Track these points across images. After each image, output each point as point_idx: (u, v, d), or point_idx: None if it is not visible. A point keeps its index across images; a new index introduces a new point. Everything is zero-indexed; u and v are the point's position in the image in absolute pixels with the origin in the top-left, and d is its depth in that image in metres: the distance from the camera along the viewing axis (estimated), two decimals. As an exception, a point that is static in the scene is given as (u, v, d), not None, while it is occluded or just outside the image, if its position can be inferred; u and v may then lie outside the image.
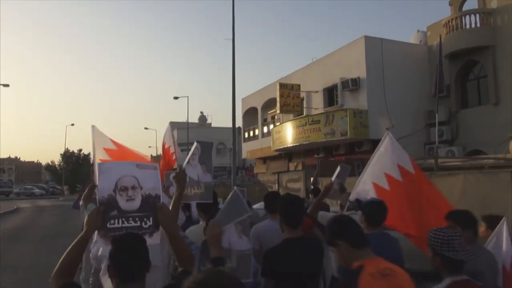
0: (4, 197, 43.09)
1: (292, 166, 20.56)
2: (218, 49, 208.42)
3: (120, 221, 2.02)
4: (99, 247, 2.66)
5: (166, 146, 5.74)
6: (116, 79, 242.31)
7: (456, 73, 15.99)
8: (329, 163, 14.67)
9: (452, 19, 15.70)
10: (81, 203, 3.63)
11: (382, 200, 3.22)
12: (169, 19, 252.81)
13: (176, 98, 35.19)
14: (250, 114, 27.06)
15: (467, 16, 15.33)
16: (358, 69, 16.41)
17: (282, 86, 18.93)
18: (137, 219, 2.05)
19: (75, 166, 54.64)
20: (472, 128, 14.98)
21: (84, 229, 1.97)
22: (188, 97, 49.36)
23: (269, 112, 24.80)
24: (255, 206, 8.03)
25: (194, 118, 51.07)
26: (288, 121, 19.17)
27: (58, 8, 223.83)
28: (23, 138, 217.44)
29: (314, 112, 18.70)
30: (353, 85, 16.37)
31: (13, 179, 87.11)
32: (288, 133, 18.46)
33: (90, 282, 3.44)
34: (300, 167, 19.54)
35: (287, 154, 20.90)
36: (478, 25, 15.09)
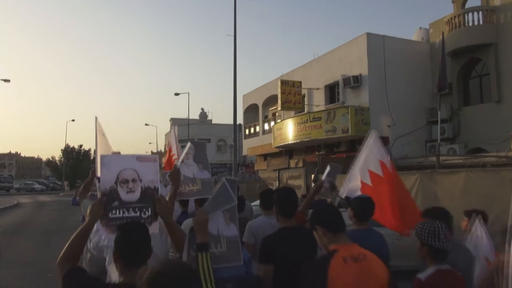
0: (5, 192, 43.18)
1: (292, 163, 20.53)
2: (220, 45, 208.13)
3: (121, 211, 2.18)
4: (100, 237, 2.78)
5: (169, 147, 5.76)
6: (117, 75, 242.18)
7: (458, 70, 15.92)
8: (330, 160, 14.61)
9: (454, 16, 15.61)
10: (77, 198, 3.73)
11: (370, 196, 3.37)
12: (170, 15, 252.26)
13: (177, 94, 35.24)
14: (251, 111, 27.00)
15: (470, 14, 15.24)
16: (359, 66, 16.34)
17: (284, 83, 18.86)
18: (136, 209, 2.21)
19: (76, 161, 54.67)
20: (474, 126, 14.93)
21: (87, 218, 2.10)
22: (189, 93, 49.21)
23: (270, 109, 24.74)
24: (255, 203, 8.00)
25: (195, 115, 51.10)
26: (289, 118, 19.11)
27: (60, 3, 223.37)
28: (23, 133, 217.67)
29: (315, 109, 18.64)
30: (354, 82, 16.30)
31: (14, 174, 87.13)
32: (289, 130, 18.41)
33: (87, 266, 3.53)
34: (300, 164, 19.51)
35: (288, 151, 20.87)
36: (481, 22, 15.00)
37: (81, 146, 57.49)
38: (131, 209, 2.20)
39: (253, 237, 3.48)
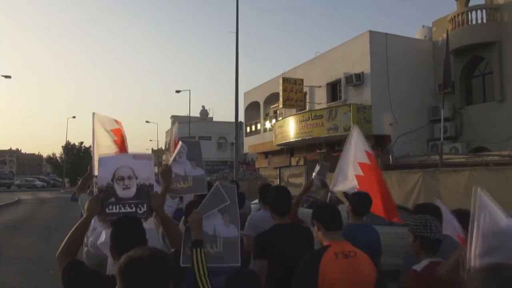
0: (6, 189, 43.17)
1: (294, 161, 20.48)
2: (221, 42, 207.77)
3: (118, 207, 2.28)
4: (98, 235, 2.84)
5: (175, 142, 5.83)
6: (118, 72, 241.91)
7: (461, 69, 15.85)
8: (331, 158, 14.58)
9: (458, 15, 15.52)
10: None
11: (367, 193, 3.56)
12: (172, 12, 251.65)
13: (178, 91, 35.05)
14: (252, 109, 26.94)
15: (473, 12, 15.16)
16: (362, 64, 16.27)
17: (285, 80, 18.79)
18: (132, 205, 2.30)
19: (76, 158, 54.64)
20: (477, 125, 14.86)
21: (85, 214, 2.19)
22: (190, 90, 49.05)
23: (271, 107, 24.67)
24: (255, 202, 7.96)
25: (196, 112, 51.05)
26: (291, 115, 19.05)
27: (61, 0, 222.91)
28: (24, 130, 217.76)
29: (317, 107, 18.58)
30: (357, 80, 16.23)
31: (14, 171, 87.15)
32: (290, 127, 18.36)
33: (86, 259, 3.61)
34: (302, 162, 19.46)
35: (289, 149, 20.82)
36: (485, 20, 14.92)
37: (81, 143, 57.43)
38: (127, 205, 2.30)
39: (254, 230, 3.56)
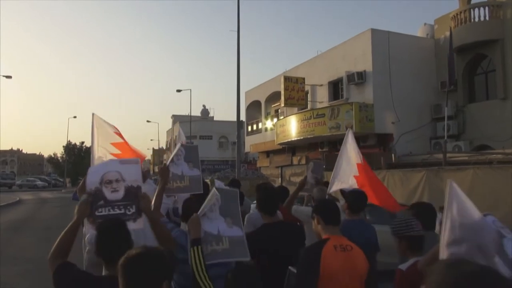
0: (7, 189, 43.15)
1: (295, 160, 20.43)
2: (222, 41, 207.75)
3: (107, 209, 2.37)
4: (93, 234, 2.95)
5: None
6: (119, 71, 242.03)
7: (463, 67, 15.75)
8: (333, 157, 14.50)
9: (460, 12, 15.43)
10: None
11: (363, 190, 3.72)
12: (172, 11, 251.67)
13: (179, 91, 34.95)
14: (253, 108, 26.88)
15: (476, 9, 15.06)
16: (364, 63, 16.19)
17: (287, 79, 18.72)
18: (121, 207, 2.39)
19: (77, 158, 54.67)
20: (479, 123, 14.78)
21: (75, 217, 2.26)
22: (190, 90, 48.98)
23: (272, 106, 24.61)
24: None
25: (197, 112, 51.01)
26: (292, 114, 18.99)
27: (62, 0, 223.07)
28: (25, 130, 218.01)
29: (318, 105, 18.51)
30: (358, 78, 16.16)
31: (16, 171, 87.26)
32: (292, 126, 18.30)
33: (85, 259, 3.63)
34: (303, 161, 19.39)
35: (291, 148, 20.76)
36: (487, 18, 14.83)
37: (83, 142, 57.44)
38: (116, 207, 2.38)
39: (252, 227, 3.64)
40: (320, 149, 17.99)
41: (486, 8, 14.86)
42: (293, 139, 18.33)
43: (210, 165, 42.48)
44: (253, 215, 3.95)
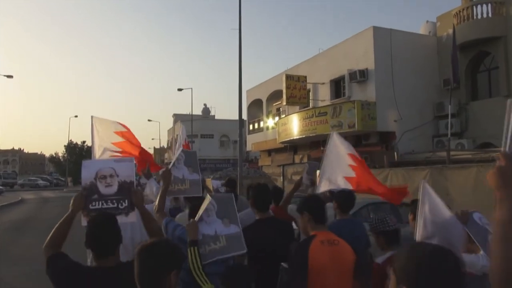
0: (9, 188, 43.20)
1: (297, 159, 20.38)
2: (223, 40, 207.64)
3: (100, 203, 2.48)
4: None
5: (184, 143, 5.98)
6: (120, 71, 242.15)
7: (466, 64, 15.69)
8: (336, 156, 14.46)
9: (463, 9, 15.36)
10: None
11: (351, 190, 3.88)
12: (173, 9, 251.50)
13: (180, 89, 34.95)
14: (255, 106, 26.83)
15: (479, 6, 14.98)
16: (366, 61, 16.13)
17: (289, 77, 18.67)
18: (114, 201, 2.50)
19: (79, 157, 54.57)
20: (482, 121, 14.71)
21: (70, 209, 2.38)
22: (192, 88, 48.96)
23: (274, 104, 24.56)
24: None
25: (198, 110, 50.95)
26: (294, 113, 18.94)
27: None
28: (26, 129, 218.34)
29: (320, 104, 18.46)
30: (361, 76, 16.10)
31: (17, 170, 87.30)
32: (294, 125, 18.25)
33: (88, 251, 3.81)
34: (305, 160, 19.35)
35: (293, 146, 20.72)
36: (490, 15, 14.75)
37: (84, 142, 57.43)
38: (109, 201, 2.50)
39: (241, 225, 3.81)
40: (322, 148, 17.85)
41: (489, 5, 14.79)
42: (295, 137, 18.29)
43: (211, 164, 42.43)
44: (241, 215, 4.03)
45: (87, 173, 2.54)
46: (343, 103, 16.31)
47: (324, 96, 18.79)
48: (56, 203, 25.20)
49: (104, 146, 4.33)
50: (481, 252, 2.02)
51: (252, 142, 26.47)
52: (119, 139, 4.45)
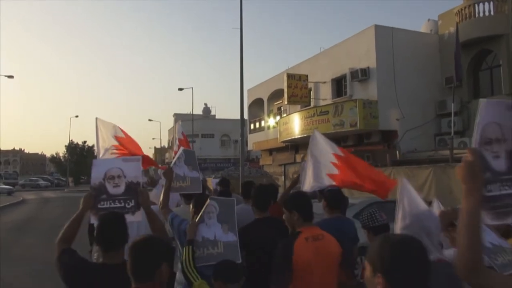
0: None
1: (298, 158, 20.33)
2: (224, 39, 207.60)
3: (108, 202, 2.62)
4: None
5: (182, 137, 6.08)
6: (120, 71, 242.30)
7: (468, 62, 15.62)
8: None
9: (465, 7, 15.30)
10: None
11: (340, 188, 4.01)
12: (174, 8, 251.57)
13: (180, 89, 34.89)
14: (256, 105, 26.80)
15: (481, 4, 14.92)
16: (367, 59, 16.09)
17: (290, 76, 18.62)
18: (122, 201, 2.64)
19: (80, 157, 54.68)
20: (484, 119, 14.65)
21: (80, 208, 2.54)
22: (192, 88, 48.91)
23: (275, 103, 24.52)
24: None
25: (198, 110, 50.92)
26: (296, 112, 18.90)
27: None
28: (27, 130, 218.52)
29: (322, 103, 18.41)
30: (362, 75, 16.06)
31: (18, 171, 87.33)
32: (295, 124, 18.21)
33: (94, 251, 4.00)
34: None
35: (294, 145, 20.68)
36: (492, 13, 14.70)
37: (85, 142, 57.46)
38: (117, 201, 2.62)
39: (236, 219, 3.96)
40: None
41: (491, 3, 14.73)
42: (296, 136, 18.25)
43: (212, 164, 42.39)
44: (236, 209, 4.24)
45: (96, 173, 2.67)
46: (344, 102, 16.26)
47: (325, 95, 18.74)
48: (57, 203, 25.20)
49: (105, 147, 4.43)
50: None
51: (253, 141, 26.44)
52: (118, 143, 4.52)
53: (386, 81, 15.58)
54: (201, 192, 3.75)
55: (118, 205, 2.63)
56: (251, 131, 26.95)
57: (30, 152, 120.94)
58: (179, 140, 5.88)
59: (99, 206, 2.61)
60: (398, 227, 2.15)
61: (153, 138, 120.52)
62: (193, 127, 34.87)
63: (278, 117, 22.51)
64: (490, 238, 2.13)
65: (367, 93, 16.09)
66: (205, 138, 45.24)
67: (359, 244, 3.89)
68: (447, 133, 14.08)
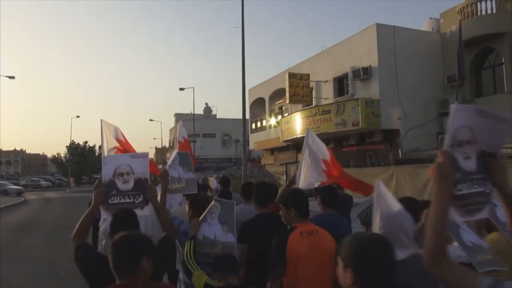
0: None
1: (300, 157, 20.30)
2: (225, 38, 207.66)
3: (118, 198, 2.75)
4: (108, 226, 3.27)
5: (183, 140, 6.13)
6: (121, 71, 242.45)
7: (470, 61, 15.58)
8: (341, 153, 14.41)
9: (467, 5, 15.26)
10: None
11: (334, 186, 4.14)
12: (175, 8, 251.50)
13: (181, 89, 34.87)
14: (257, 105, 26.78)
15: (483, 2, 14.89)
16: (369, 58, 16.05)
17: (291, 75, 18.60)
18: (131, 196, 2.76)
19: (81, 158, 54.69)
20: (487, 118, 14.61)
21: (92, 204, 2.69)
22: (193, 88, 48.89)
23: (276, 103, 24.50)
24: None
25: (199, 110, 50.90)
26: (297, 111, 18.88)
27: None
28: (28, 130, 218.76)
29: (323, 102, 18.39)
30: (364, 74, 16.03)
31: (19, 171, 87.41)
32: (297, 123, 18.19)
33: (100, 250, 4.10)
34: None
35: (296, 145, 20.65)
36: (494, 11, 14.67)
37: (86, 142, 57.44)
38: (126, 196, 2.75)
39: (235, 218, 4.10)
40: (326, 146, 17.87)
41: (493, 1, 14.71)
42: (298, 136, 18.22)
43: (213, 163, 42.38)
44: (236, 211, 4.30)
45: (106, 170, 2.80)
46: (346, 101, 16.23)
47: (327, 94, 18.71)
48: (59, 204, 25.20)
49: (108, 148, 4.56)
50: (455, 243, 2.20)
51: (254, 141, 26.42)
52: (118, 144, 4.64)
53: (388, 80, 15.54)
54: (197, 192, 3.93)
55: (128, 200, 2.75)
56: (252, 131, 26.93)
57: (31, 152, 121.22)
58: (179, 142, 5.92)
59: (110, 201, 2.74)
60: (376, 227, 2.25)
61: (154, 138, 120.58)
62: (194, 127, 34.86)
63: (279, 117, 22.48)
64: (471, 238, 2.22)
65: (369, 92, 16.06)
66: (206, 138, 45.23)
67: None
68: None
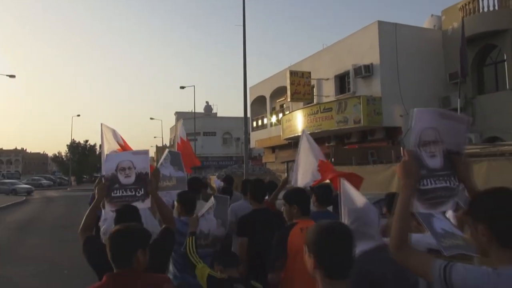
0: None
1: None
2: (225, 37, 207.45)
3: (120, 191, 2.87)
4: (109, 225, 3.29)
5: (185, 139, 6.32)
6: (122, 69, 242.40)
7: (472, 58, 15.50)
8: (341, 151, 14.36)
9: (469, 2, 15.17)
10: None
11: (329, 185, 4.21)
12: (175, 6, 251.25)
13: (182, 87, 34.86)
14: (258, 103, 26.72)
15: (485, -1, 14.80)
16: (371, 55, 15.99)
17: (293, 73, 18.53)
18: (132, 189, 2.88)
19: (82, 156, 54.71)
20: (489, 115, 14.55)
21: (96, 198, 2.83)
22: (194, 86, 48.83)
23: (277, 101, 24.44)
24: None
25: (200, 108, 50.84)
26: (299, 109, 18.83)
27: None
28: (29, 129, 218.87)
29: (325, 100, 18.33)
30: (366, 71, 15.97)
31: (20, 170, 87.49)
32: (298, 121, 18.14)
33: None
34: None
35: (297, 143, 20.48)
36: (496, 8, 14.58)
37: (87, 141, 57.46)
38: (128, 190, 2.87)
39: (234, 216, 4.13)
40: (327, 144, 17.83)
41: (495, -3, 14.60)
42: (299, 134, 18.13)
43: (214, 162, 42.38)
44: (235, 206, 4.49)
45: (109, 165, 2.94)
46: (348, 98, 16.18)
47: (328, 92, 18.65)
48: (60, 203, 25.21)
49: (111, 149, 4.61)
50: (427, 232, 2.27)
51: (255, 139, 26.38)
52: (119, 147, 4.71)
53: (390, 77, 15.48)
54: (186, 190, 4.10)
55: (129, 193, 2.87)
56: (253, 129, 26.89)
57: (32, 151, 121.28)
58: (177, 144, 6.01)
59: (113, 194, 2.86)
60: (344, 221, 2.41)
61: (154, 137, 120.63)
62: (195, 125, 34.82)
63: (280, 115, 22.43)
64: (443, 225, 2.31)
65: (370, 90, 16.00)
66: (206, 136, 45.20)
67: None
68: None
